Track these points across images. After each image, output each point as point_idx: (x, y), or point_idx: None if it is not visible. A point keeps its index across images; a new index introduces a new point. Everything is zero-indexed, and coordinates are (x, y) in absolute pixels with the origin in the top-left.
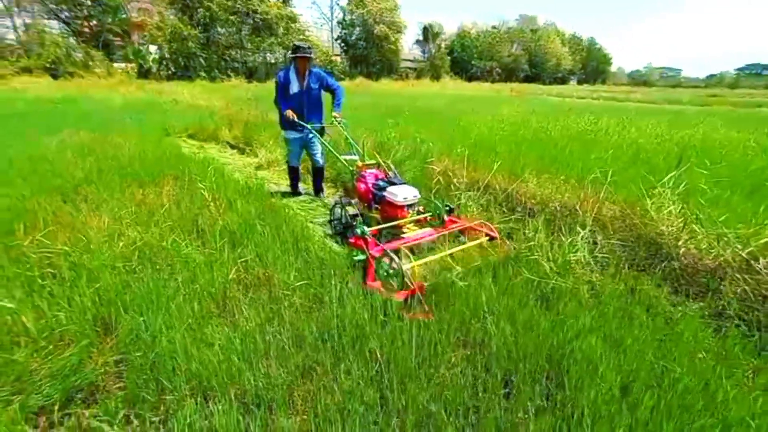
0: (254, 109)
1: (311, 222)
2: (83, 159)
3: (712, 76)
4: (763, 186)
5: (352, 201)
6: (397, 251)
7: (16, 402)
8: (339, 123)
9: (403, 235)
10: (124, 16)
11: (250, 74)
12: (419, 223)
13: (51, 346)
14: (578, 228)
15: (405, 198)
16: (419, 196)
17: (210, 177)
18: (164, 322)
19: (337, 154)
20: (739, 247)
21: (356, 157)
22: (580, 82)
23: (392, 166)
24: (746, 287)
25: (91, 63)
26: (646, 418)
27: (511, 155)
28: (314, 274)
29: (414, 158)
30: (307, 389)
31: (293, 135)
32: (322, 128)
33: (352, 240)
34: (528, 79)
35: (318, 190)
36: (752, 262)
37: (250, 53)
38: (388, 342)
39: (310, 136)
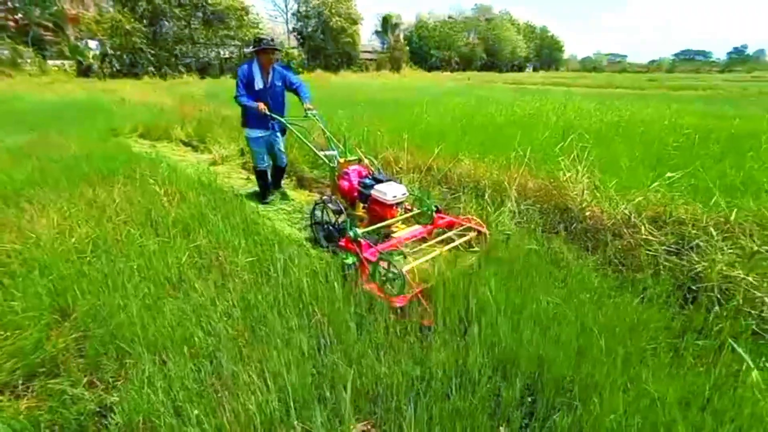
0: (206, 105)
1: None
2: (23, 161)
3: (653, 61)
4: (665, 158)
5: (338, 202)
6: (392, 253)
7: None
8: (313, 115)
9: (393, 235)
10: (55, 8)
11: (203, 70)
12: (406, 221)
13: (8, 333)
14: (506, 200)
15: (394, 196)
16: (407, 193)
17: (162, 173)
18: (121, 301)
19: (316, 151)
20: (624, 207)
21: (336, 153)
22: (535, 69)
23: (376, 162)
24: (631, 240)
25: (20, 60)
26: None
27: (455, 141)
28: (263, 252)
29: (363, 147)
30: (253, 345)
31: (257, 133)
32: (290, 122)
33: (342, 243)
34: (485, 68)
35: (277, 185)
36: (633, 218)
37: (202, 48)
38: (330, 304)
39: (276, 134)
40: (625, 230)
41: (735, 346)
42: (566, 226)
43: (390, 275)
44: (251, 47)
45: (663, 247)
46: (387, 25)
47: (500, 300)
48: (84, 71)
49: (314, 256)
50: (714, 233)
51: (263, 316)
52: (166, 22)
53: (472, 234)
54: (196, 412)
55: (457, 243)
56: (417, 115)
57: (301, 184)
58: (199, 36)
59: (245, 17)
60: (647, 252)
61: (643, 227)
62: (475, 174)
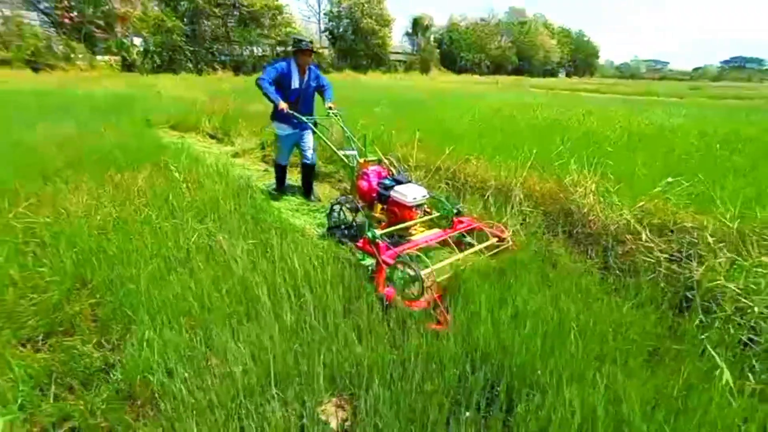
0: (233, 101)
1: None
2: (64, 147)
3: (697, 68)
4: (679, 166)
5: (355, 201)
6: (412, 256)
7: (7, 330)
8: (335, 115)
9: (411, 237)
10: (106, 7)
11: (237, 67)
12: (426, 224)
13: (35, 295)
14: (511, 202)
15: (414, 198)
16: (428, 195)
17: (183, 162)
18: (132, 273)
19: (335, 149)
20: (625, 213)
21: (355, 153)
22: (568, 75)
23: (396, 163)
24: (633, 246)
25: (72, 55)
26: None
27: (470, 142)
28: (267, 238)
29: (376, 144)
30: (244, 321)
31: (286, 131)
32: (315, 122)
33: (359, 244)
34: (516, 72)
35: (308, 191)
36: (634, 224)
37: (236, 46)
38: (320, 287)
39: (303, 132)
40: (627, 236)
41: (708, 347)
42: (569, 230)
43: (408, 278)
44: (290, 47)
45: (664, 255)
46: (418, 26)
47: (482, 293)
48: (128, 66)
49: (317, 245)
50: (711, 242)
51: (258, 296)
52: (205, 21)
53: (493, 240)
54: (185, 374)
55: (477, 248)
56: (434, 115)
57: (316, 177)
58: (234, 34)
59: (279, 17)
60: (645, 258)
61: (644, 234)
62: (483, 175)
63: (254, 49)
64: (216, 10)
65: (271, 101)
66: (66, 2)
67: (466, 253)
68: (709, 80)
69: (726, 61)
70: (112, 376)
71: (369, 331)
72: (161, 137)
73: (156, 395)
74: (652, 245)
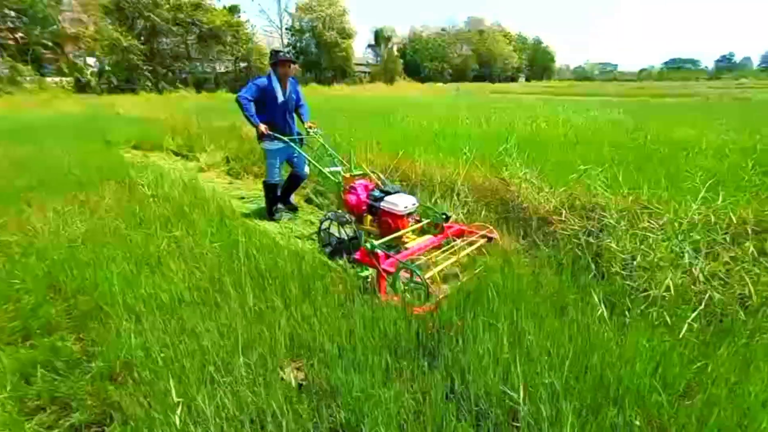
0: (196, 118)
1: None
2: (23, 170)
3: (643, 70)
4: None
5: (345, 215)
6: (412, 263)
7: None
8: (315, 133)
9: (405, 246)
10: (54, 27)
11: (199, 84)
12: (416, 232)
13: (9, 304)
14: (454, 194)
15: (405, 207)
16: (418, 203)
17: (149, 178)
18: (106, 276)
19: (321, 167)
20: (552, 199)
21: (339, 169)
22: (528, 80)
23: (382, 176)
24: (557, 225)
25: (19, 78)
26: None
27: (423, 145)
28: (231, 240)
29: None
30: (213, 308)
31: (276, 145)
32: (302, 138)
33: (357, 256)
34: (478, 79)
35: (287, 197)
36: (558, 208)
37: (198, 63)
38: (282, 277)
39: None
40: (553, 217)
41: (594, 294)
42: (506, 217)
43: (412, 284)
44: (270, 59)
45: (583, 230)
46: (380, 38)
47: None
48: (82, 87)
49: (280, 245)
50: (615, 216)
51: (225, 288)
52: (164, 39)
53: (483, 240)
54: (162, 354)
55: (469, 251)
56: (392, 123)
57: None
58: (195, 52)
59: (240, 33)
60: (563, 233)
61: (564, 213)
62: (431, 173)
63: (216, 65)
64: (174, 29)
65: (252, 124)
66: (9, 23)
67: (459, 255)
68: (653, 80)
69: (666, 62)
70: (93, 363)
71: (324, 305)
72: (123, 156)
73: (135, 371)
74: (572, 223)
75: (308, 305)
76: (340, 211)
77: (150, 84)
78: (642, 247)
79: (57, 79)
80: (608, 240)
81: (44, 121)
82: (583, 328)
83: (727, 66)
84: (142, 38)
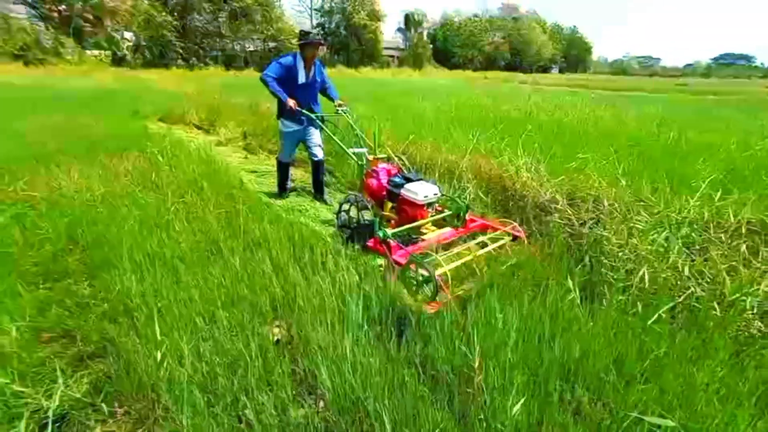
0: (220, 95)
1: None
2: (55, 136)
3: (688, 65)
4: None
5: (365, 199)
6: (425, 256)
7: (14, 274)
8: (344, 112)
9: (422, 237)
10: (95, 0)
11: (229, 62)
12: (437, 223)
13: (33, 251)
14: (464, 182)
15: (426, 196)
16: (439, 193)
17: (167, 148)
18: (118, 233)
19: (345, 147)
20: (550, 188)
21: (365, 150)
22: (561, 71)
23: (405, 161)
24: (556, 214)
25: (62, 50)
26: None
27: (434, 131)
28: (234, 207)
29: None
30: (208, 266)
31: (291, 127)
32: (323, 118)
33: (370, 243)
34: (509, 68)
35: (319, 190)
36: (558, 197)
37: (228, 41)
38: (279, 244)
39: (309, 128)
40: (551, 207)
41: (569, 280)
42: (506, 204)
43: (420, 278)
44: (298, 40)
45: (579, 220)
46: (410, 22)
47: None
48: (118, 61)
49: (280, 216)
50: (609, 208)
51: (222, 250)
52: (196, 16)
53: (508, 239)
54: (156, 302)
55: (490, 248)
56: (413, 110)
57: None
58: (225, 29)
59: (270, 12)
60: (557, 222)
61: (561, 203)
62: (437, 157)
63: (246, 44)
64: (206, 5)
65: (278, 99)
66: None
67: (478, 253)
68: (699, 77)
69: (715, 58)
70: (98, 306)
71: (313, 274)
72: (149, 128)
73: (133, 315)
74: (568, 213)
75: (295, 270)
76: (360, 194)
77: (182, 60)
78: (631, 239)
79: (96, 52)
80: (600, 230)
81: (81, 92)
82: (555, 312)
83: None
84: (175, 14)
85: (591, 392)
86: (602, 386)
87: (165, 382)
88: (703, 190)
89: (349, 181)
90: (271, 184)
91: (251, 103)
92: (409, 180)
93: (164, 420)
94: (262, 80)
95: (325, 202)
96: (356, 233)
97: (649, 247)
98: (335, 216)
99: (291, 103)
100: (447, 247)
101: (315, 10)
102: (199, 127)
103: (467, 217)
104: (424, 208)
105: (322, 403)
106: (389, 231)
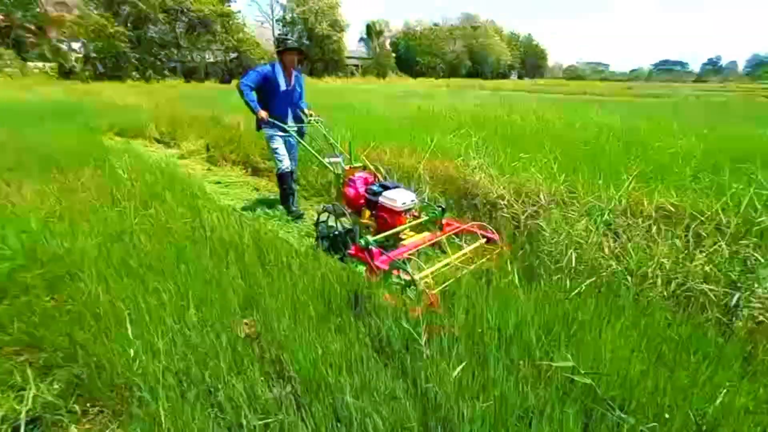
0: (180, 107)
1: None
2: (1, 151)
3: (633, 70)
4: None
5: (343, 208)
6: (406, 261)
7: None
8: (317, 122)
9: (402, 242)
10: (37, 10)
11: (189, 74)
12: (415, 229)
13: None
14: (422, 185)
15: (404, 203)
16: (417, 200)
17: (127, 162)
18: (81, 246)
19: (320, 158)
20: (499, 187)
21: (340, 160)
22: (520, 77)
23: (382, 169)
24: (504, 209)
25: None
26: None
27: (396, 136)
28: (198, 215)
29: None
30: (175, 273)
31: (277, 130)
32: (300, 128)
33: (351, 251)
34: (470, 75)
35: (289, 205)
36: (505, 194)
37: (187, 52)
38: (243, 249)
39: (291, 137)
40: (500, 202)
41: (509, 264)
42: (460, 201)
43: (403, 283)
44: (276, 47)
45: (523, 213)
46: (372, 32)
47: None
48: (66, 73)
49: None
50: (545, 200)
51: (189, 256)
52: (151, 26)
53: (482, 241)
54: (125, 312)
55: (466, 250)
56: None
57: (256, 173)
58: (183, 41)
59: (230, 23)
60: (504, 215)
61: (508, 198)
62: (394, 161)
63: (206, 55)
64: (162, 16)
65: (251, 110)
66: None
67: (456, 255)
68: (642, 81)
69: (656, 64)
70: (64, 316)
71: (276, 274)
72: (105, 142)
73: (102, 321)
74: (515, 207)
75: (262, 272)
76: (337, 203)
77: (137, 72)
78: (565, 227)
79: (40, 64)
80: (540, 221)
81: (26, 106)
82: (497, 292)
83: (713, 69)
84: (129, 25)
85: (523, 354)
86: (533, 349)
87: (139, 376)
88: (628, 183)
89: (314, 188)
90: (235, 194)
91: (213, 115)
92: (386, 188)
93: (139, 408)
94: (239, 89)
95: (293, 211)
96: (339, 242)
97: (576, 232)
98: (315, 226)
99: (262, 113)
100: (426, 251)
101: (277, 20)
102: (159, 141)
103: (444, 221)
104: (403, 214)
105: (290, 387)
106: (370, 238)
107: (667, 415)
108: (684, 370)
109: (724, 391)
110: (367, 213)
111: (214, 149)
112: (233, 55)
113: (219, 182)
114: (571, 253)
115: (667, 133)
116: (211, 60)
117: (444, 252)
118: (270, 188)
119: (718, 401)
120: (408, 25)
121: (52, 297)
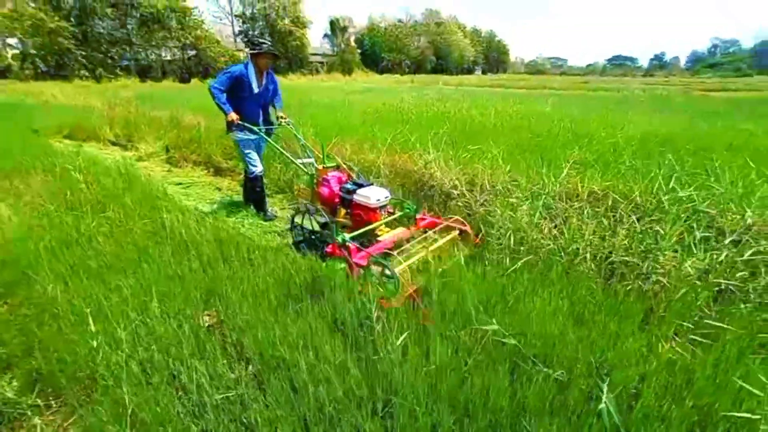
0: (135, 107)
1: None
2: None
3: (590, 65)
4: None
5: (317, 207)
6: (385, 256)
7: None
8: (287, 124)
9: (378, 238)
10: None
11: (144, 72)
12: (390, 224)
13: None
14: (381, 178)
15: (378, 200)
16: (390, 196)
17: (80, 165)
18: (33, 251)
19: (293, 159)
20: (452, 177)
21: (312, 160)
22: (484, 72)
23: (354, 168)
24: (456, 198)
25: None
26: None
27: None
28: (158, 215)
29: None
30: (137, 271)
31: (247, 135)
32: (269, 130)
33: (329, 249)
34: (435, 71)
35: (260, 205)
36: (458, 185)
37: (140, 49)
38: (205, 246)
39: (261, 140)
40: (454, 192)
41: (456, 249)
42: (417, 194)
43: (384, 278)
44: (248, 48)
45: (475, 201)
46: (336, 28)
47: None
48: (2, 72)
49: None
50: (491, 189)
51: (150, 255)
52: (98, 22)
53: (455, 233)
54: (86, 310)
55: (441, 242)
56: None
57: (218, 173)
58: (136, 37)
59: (186, 19)
60: (458, 204)
61: (461, 188)
62: (356, 156)
63: (162, 52)
64: (109, 11)
65: (223, 113)
66: None
67: (431, 248)
68: (597, 75)
69: (609, 59)
70: (20, 317)
71: (239, 268)
72: (53, 146)
73: (61, 318)
74: (467, 197)
75: (224, 266)
76: (309, 203)
77: (85, 71)
78: (509, 212)
79: None
80: (488, 207)
81: None
82: (444, 273)
83: (659, 64)
84: (72, 20)
85: (465, 325)
86: (471, 320)
87: (103, 366)
88: (566, 170)
89: (276, 186)
90: (198, 195)
91: (172, 116)
92: (360, 186)
93: (104, 396)
94: (210, 92)
95: (269, 216)
96: (315, 240)
97: (519, 216)
98: (289, 229)
99: (233, 116)
100: (402, 245)
101: (236, 16)
102: (115, 144)
103: (417, 216)
104: (377, 211)
105: (251, 367)
106: (346, 235)
107: (577, 364)
108: (597, 328)
109: (623, 340)
110: (343, 211)
111: (173, 150)
112: (192, 52)
113: (180, 183)
114: (511, 235)
115: (612, 125)
116: (168, 58)
117: (422, 245)
118: (233, 188)
119: (616, 349)
120: (372, 21)
121: (5, 302)
